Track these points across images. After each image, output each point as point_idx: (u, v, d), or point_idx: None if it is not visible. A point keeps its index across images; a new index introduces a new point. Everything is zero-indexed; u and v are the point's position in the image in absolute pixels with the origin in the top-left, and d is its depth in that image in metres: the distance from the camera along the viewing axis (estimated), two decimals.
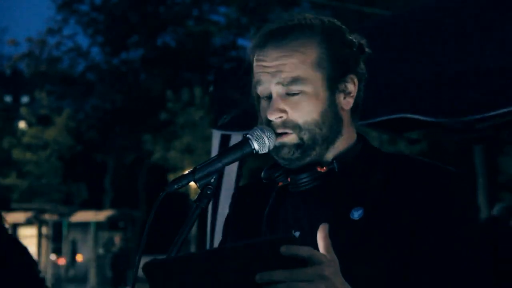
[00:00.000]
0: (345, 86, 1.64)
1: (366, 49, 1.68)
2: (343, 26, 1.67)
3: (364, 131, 3.23)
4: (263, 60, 1.63)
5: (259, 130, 1.60)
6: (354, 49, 1.65)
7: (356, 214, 1.55)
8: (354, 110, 1.67)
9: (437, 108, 2.69)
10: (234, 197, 1.87)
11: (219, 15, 29.73)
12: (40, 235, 27.45)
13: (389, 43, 2.99)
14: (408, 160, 1.63)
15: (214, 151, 3.84)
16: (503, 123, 4.07)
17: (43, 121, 29.50)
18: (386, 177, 1.58)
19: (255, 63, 1.66)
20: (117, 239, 24.40)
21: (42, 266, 26.82)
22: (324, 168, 1.61)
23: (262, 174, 1.67)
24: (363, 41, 1.68)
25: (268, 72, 1.61)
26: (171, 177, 23.39)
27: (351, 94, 1.65)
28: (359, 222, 1.54)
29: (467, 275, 1.50)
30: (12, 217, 27.96)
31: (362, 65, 1.67)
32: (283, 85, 1.60)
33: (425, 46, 2.87)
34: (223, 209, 3.72)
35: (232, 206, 1.85)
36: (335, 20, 1.68)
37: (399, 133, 4.44)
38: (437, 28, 2.90)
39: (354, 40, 1.66)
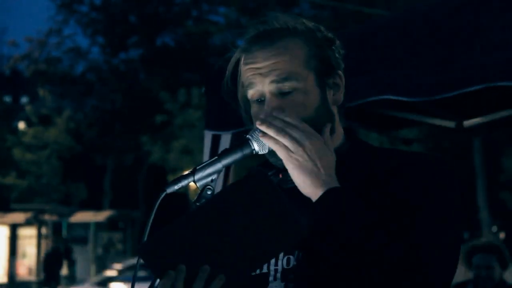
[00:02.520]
0: (334, 82, 1.68)
1: (341, 50, 1.72)
2: (321, 26, 1.70)
3: (365, 133, 3.27)
4: (253, 63, 1.64)
5: (259, 131, 1.62)
6: (335, 47, 1.69)
7: None
8: (340, 106, 1.71)
9: (412, 88, 2.76)
10: None
11: (219, 15, 29.78)
12: (39, 236, 27.44)
13: (378, 42, 3.03)
14: (394, 152, 1.69)
15: (206, 152, 3.86)
16: (493, 121, 4.10)
17: (43, 121, 29.50)
18: (372, 169, 1.62)
19: (244, 67, 1.67)
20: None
21: (41, 266, 26.83)
22: None
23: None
24: (339, 42, 1.71)
25: (260, 73, 1.63)
26: (171, 177, 23.43)
27: (340, 90, 1.69)
28: None
29: (436, 243, 1.53)
30: (11, 217, 27.99)
31: (342, 62, 1.71)
32: (277, 82, 1.62)
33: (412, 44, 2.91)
34: None
35: None
36: (310, 20, 1.71)
37: (388, 131, 4.48)
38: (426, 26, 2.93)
39: (334, 37, 1.70)
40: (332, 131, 1.67)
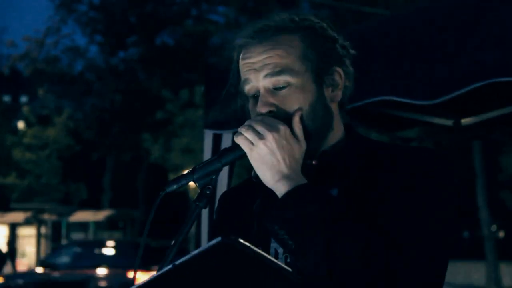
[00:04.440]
0: (332, 79, 1.66)
1: (351, 50, 1.70)
2: (325, 23, 1.68)
3: (365, 132, 3.28)
4: (248, 58, 1.64)
5: None
6: (337, 45, 1.67)
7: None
8: (341, 104, 1.70)
9: (413, 90, 2.77)
10: (220, 202, 1.87)
11: (218, 15, 29.77)
12: (39, 235, 27.45)
13: (383, 41, 3.03)
14: (392, 146, 1.68)
15: (207, 151, 3.86)
16: (491, 120, 4.09)
17: (43, 121, 29.50)
18: (366, 163, 1.61)
19: (240, 63, 1.67)
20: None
21: None
22: (314, 162, 1.64)
23: (252, 173, 1.66)
24: (347, 43, 1.70)
25: (254, 69, 1.63)
26: (172, 176, 23.36)
27: (339, 87, 1.67)
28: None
29: (427, 234, 1.51)
30: (11, 217, 28.01)
31: (348, 63, 1.69)
32: (271, 76, 1.61)
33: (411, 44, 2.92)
34: None
35: (219, 211, 1.85)
36: (314, 17, 1.70)
37: (386, 131, 4.48)
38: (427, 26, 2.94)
39: (336, 36, 1.68)
40: (331, 128, 1.66)
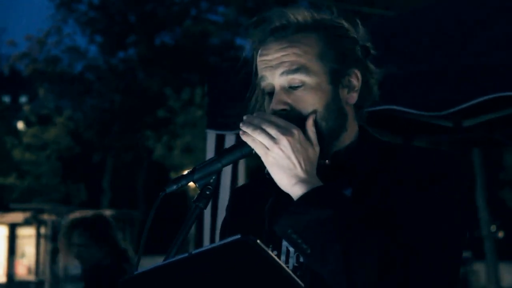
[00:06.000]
0: (349, 80, 1.65)
1: (372, 51, 1.68)
2: (346, 24, 1.67)
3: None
4: (265, 55, 1.63)
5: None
6: (357, 46, 1.65)
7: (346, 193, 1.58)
8: (358, 105, 1.68)
9: (418, 101, 2.75)
10: (232, 198, 1.86)
11: (217, 14, 29.76)
12: (38, 235, 27.40)
13: (384, 42, 3.02)
14: (404, 147, 1.69)
15: (210, 151, 3.86)
16: (492, 121, 4.07)
17: (43, 121, 29.48)
18: (379, 163, 1.60)
19: (258, 59, 1.66)
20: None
21: (40, 266, 26.81)
22: (327, 162, 1.63)
23: (265, 170, 1.64)
24: (368, 44, 1.68)
25: (271, 66, 1.62)
26: (174, 175, 23.34)
27: (355, 89, 1.65)
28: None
29: (437, 235, 1.50)
30: (10, 217, 27.96)
31: (368, 64, 1.68)
32: (287, 74, 1.60)
33: (413, 45, 2.91)
34: (223, 209, 3.73)
35: (230, 207, 1.85)
36: (338, 17, 1.68)
37: (391, 132, 4.45)
38: (427, 27, 2.93)
39: (357, 37, 1.66)
40: (344, 129, 1.64)
